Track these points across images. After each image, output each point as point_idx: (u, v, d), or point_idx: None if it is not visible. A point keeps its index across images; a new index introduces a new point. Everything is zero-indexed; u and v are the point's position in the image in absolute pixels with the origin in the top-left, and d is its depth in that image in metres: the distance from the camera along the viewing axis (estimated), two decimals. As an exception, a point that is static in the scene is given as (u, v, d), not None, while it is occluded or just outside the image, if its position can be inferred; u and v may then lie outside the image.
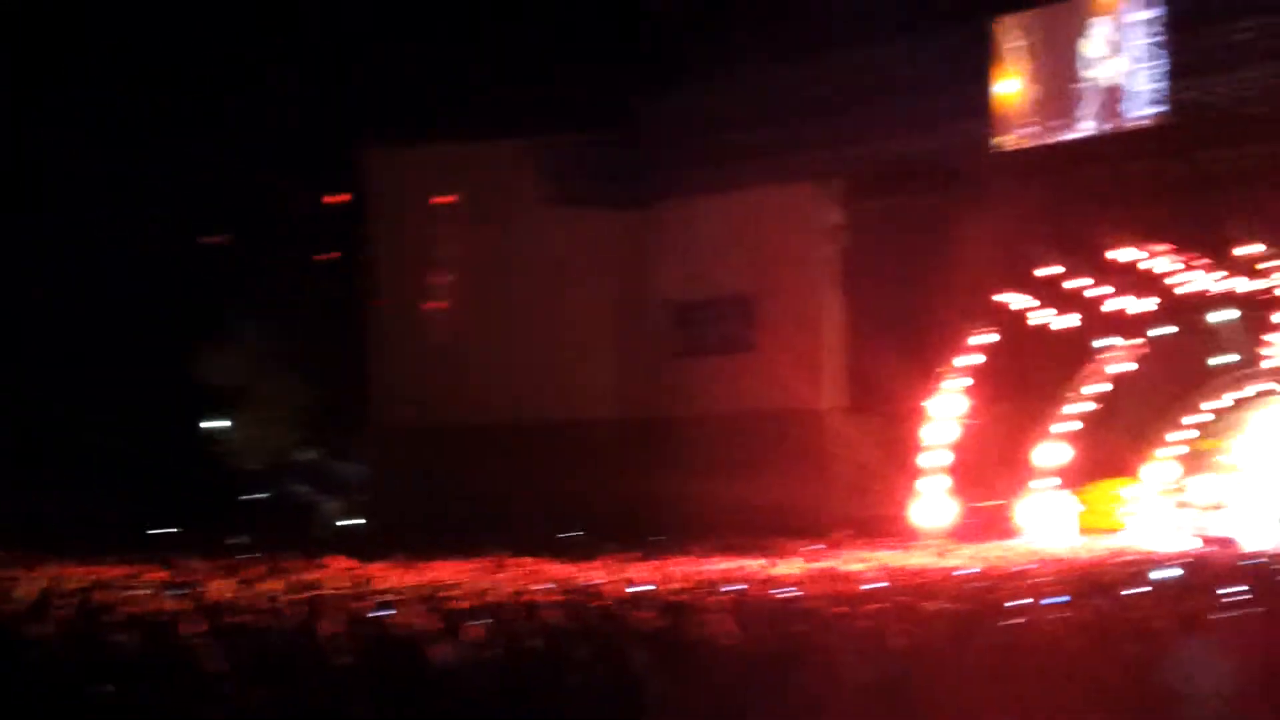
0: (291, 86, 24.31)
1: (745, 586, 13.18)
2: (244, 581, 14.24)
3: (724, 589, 12.87)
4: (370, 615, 10.63)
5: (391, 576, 14.94)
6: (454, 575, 14.97)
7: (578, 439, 23.64)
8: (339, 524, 26.00)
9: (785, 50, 22.68)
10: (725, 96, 23.59)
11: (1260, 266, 19.23)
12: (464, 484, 22.84)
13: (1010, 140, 21.02)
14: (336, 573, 15.39)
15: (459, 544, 17.62)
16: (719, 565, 15.89)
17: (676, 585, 13.39)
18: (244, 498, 26.44)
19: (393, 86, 24.46)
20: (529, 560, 16.41)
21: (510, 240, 24.39)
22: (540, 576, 14.73)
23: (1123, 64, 19.95)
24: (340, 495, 27.05)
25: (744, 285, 23.99)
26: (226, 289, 25.72)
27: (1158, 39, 19.63)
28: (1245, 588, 12.06)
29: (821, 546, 18.21)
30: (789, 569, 15.47)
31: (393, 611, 10.65)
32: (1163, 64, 19.59)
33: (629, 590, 12.78)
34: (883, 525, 19.90)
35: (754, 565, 15.89)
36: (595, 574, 14.90)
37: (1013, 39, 20.90)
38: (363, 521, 25.58)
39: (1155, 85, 19.70)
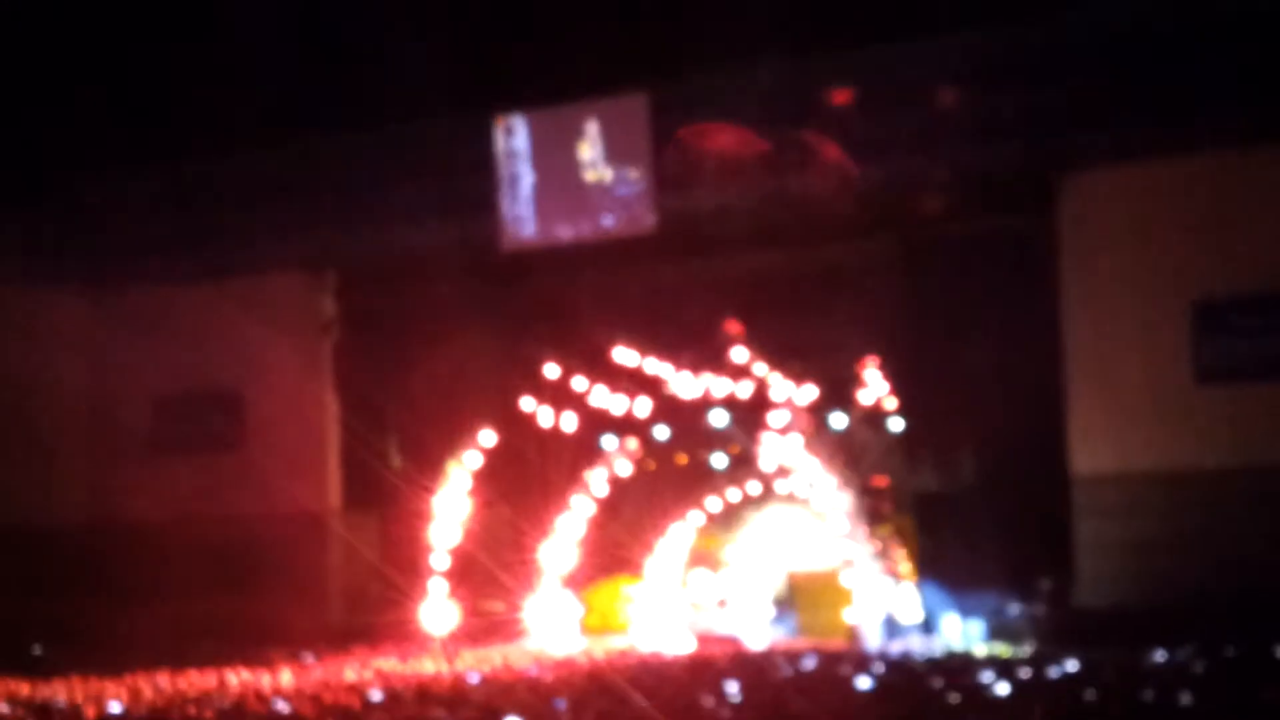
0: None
1: (230, 704, 12.30)
2: None
3: (202, 709, 11.96)
4: None
5: None
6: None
7: (33, 546, 21.53)
8: None
9: (274, 134, 21.86)
10: (203, 174, 22.49)
11: (753, 370, 19.73)
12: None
13: (512, 239, 20.98)
14: None
15: None
16: (200, 681, 14.69)
17: (144, 708, 12.31)
18: None
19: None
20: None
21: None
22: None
23: (618, 171, 20.33)
24: None
25: (228, 379, 22.76)
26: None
27: (651, 149, 20.05)
28: (745, 682, 12.35)
29: (312, 658, 17.33)
30: (281, 680, 14.59)
31: None
32: (653, 174, 20.01)
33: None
34: (385, 631, 19.16)
35: (239, 679, 14.78)
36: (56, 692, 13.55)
37: (515, 137, 20.91)
38: None
39: (648, 194, 20.13)
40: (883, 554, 18.54)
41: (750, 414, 19.73)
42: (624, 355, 20.28)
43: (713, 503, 20.75)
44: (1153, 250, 18.12)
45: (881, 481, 19.52)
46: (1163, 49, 17.63)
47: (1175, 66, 17.58)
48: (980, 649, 16.70)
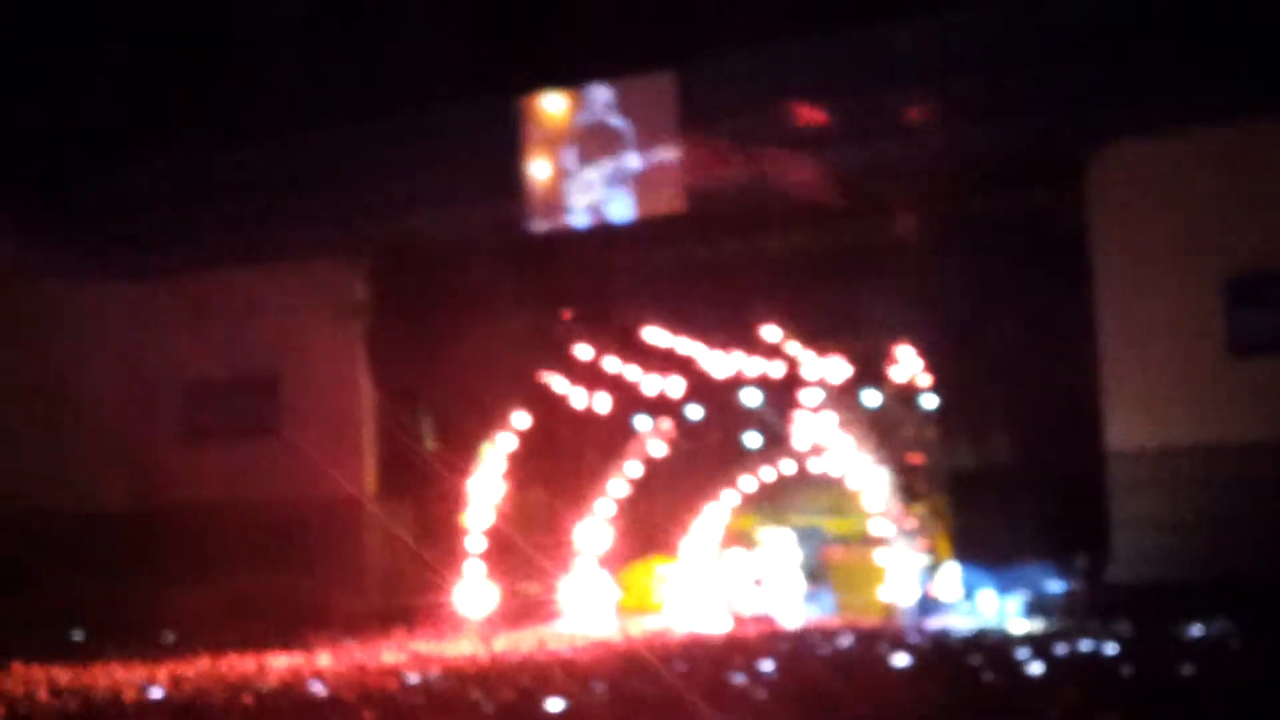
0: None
1: (270, 688, 12.39)
2: None
3: (246, 690, 12.05)
4: None
5: None
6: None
7: (76, 531, 21.70)
8: None
9: (305, 117, 21.89)
10: (238, 161, 22.51)
11: (785, 349, 19.72)
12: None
13: (541, 220, 20.98)
14: None
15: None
16: (239, 664, 14.81)
17: (189, 689, 12.39)
18: None
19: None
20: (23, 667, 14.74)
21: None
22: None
23: (648, 151, 20.31)
24: None
25: (264, 364, 22.86)
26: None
27: (680, 128, 20.01)
28: (780, 662, 12.37)
29: (351, 641, 17.42)
30: (319, 663, 14.68)
31: None
32: (681, 155, 19.97)
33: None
34: (422, 614, 19.24)
35: (280, 663, 14.88)
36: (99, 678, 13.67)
37: (541, 119, 20.90)
38: None
39: (677, 173, 20.11)
40: (918, 531, 18.51)
41: (783, 393, 19.73)
42: (656, 335, 20.30)
43: (747, 482, 20.77)
44: (1183, 223, 18.02)
45: (916, 459, 19.48)
46: (1188, 17, 17.48)
47: (1202, 34, 17.44)
48: (1016, 626, 16.68)
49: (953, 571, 18.55)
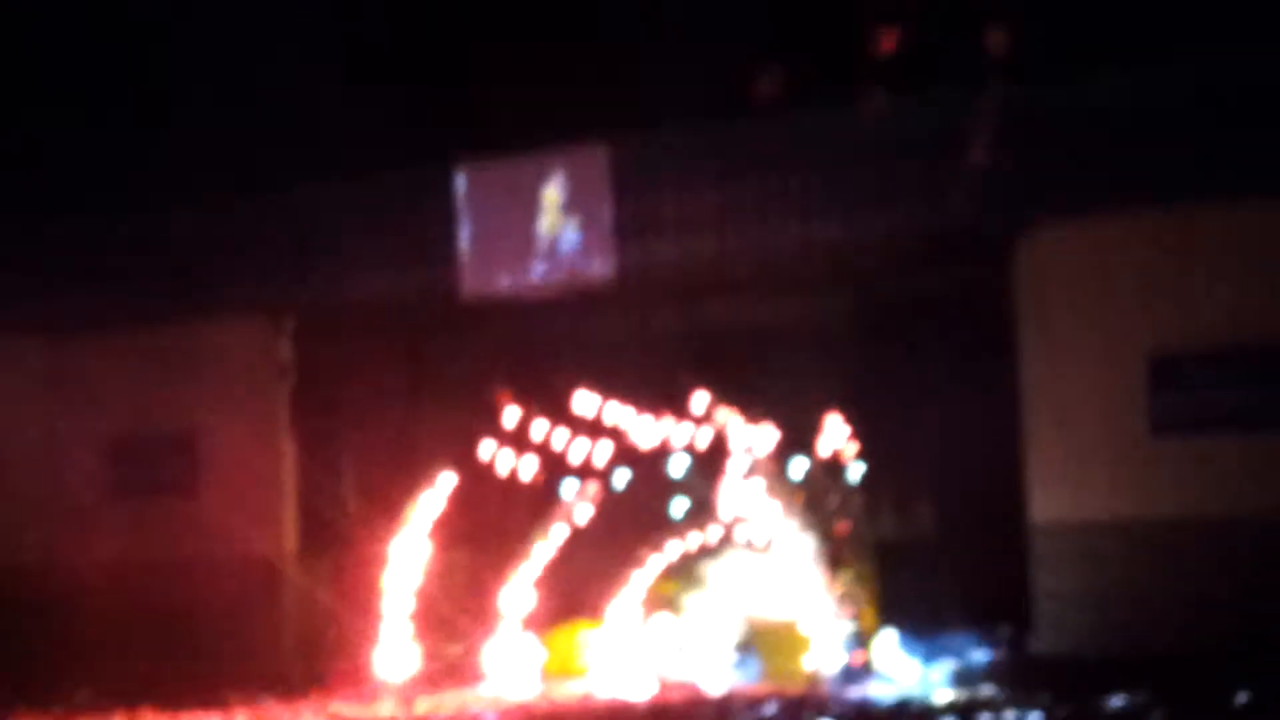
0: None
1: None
2: None
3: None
4: None
5: None
6: None
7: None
8: None
9: (234, 177, 21.89)
10: (164, 219, 22.53)
11: (712, 417, 19.83)
12: None
13: (473, 287, 21.06)
14: None
15: None
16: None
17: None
18: None
19: None
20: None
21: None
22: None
23: (577, 222, 20.49)
24: None
25: (183, 423, 22.64)
26: None
27: (610, 201, 20.23)
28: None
29: (270, 702, 17.22)
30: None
31: None
32: (612, 225, 20.18)
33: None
34: (342, 676, 19.05)
35: None
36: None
37: (473, 187, 21.02)
38: None
39: (607, 244, 20.29)
40: (842, 601, 18.61)
41: (710, 461, 19.82)
42: (584, 401, 20.34)
43: (673, 548, 20.80)
44: (1109, 304, 18.38)
45: (842, 528, 19.61)
46: (1117, 110, 17.98)
47: (1130, 126, 17.93)
48: (940, 695, 16.78)
49: (877, 640, 18.64)
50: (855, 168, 19.19)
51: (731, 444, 19.59)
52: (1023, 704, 15.08)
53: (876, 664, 18.28)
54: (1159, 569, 17.52)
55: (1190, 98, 17.51)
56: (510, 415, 20.39)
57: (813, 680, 18.12)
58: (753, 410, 19.76)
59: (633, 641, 20.43)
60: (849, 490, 19.72)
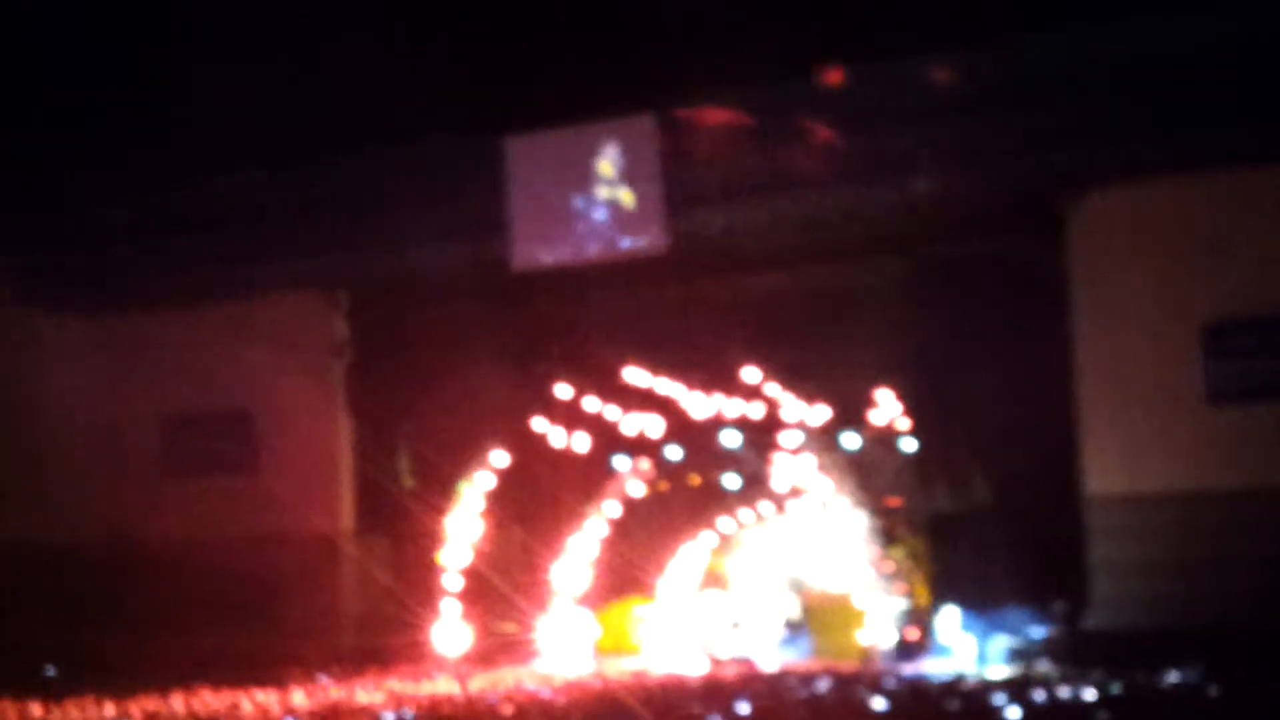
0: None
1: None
2: None
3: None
4: None
5: None
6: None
7: (52, 564, 21.54)
8: None
9: (288, 151, 21.87)
10: (219, 195, 22.42)
11: (764, 391, 19.73)
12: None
13: (523, 259, 20.96)
14: None
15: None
16: (213, 702, 14.70)
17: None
18: None
19: None
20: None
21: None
22: None
23: (629, 192, 20.32)
24: None
25: (240, 400, 22.73)
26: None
27: (661, 170, 20.05)
28: (757, 704, 12.32)
29: (326, 679, 17.31)
30: (294, 701, 14.59)
31: None
32: (664, 194, 20.00)
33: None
34: (398, 653, 19.16)
35: (254, 700, 14.79)
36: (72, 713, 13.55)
37: (526, 158, 20.89)
38: None
39: (658, 214, 20.12)
40: (896, 575, 18.50)
41: (762, 434, 19.73)
42: (636, 375, 20.28)
43: (725, 523, 20.76)
44: (1162, 271, 18.06)
45: (895, 502, 19.48)
46: (1168, 68, 17.57)
47: (1181, 85, 17.53)
48: (994, 671, 16.66)
49: (931, 616, 18.53)
50: (905, 131, 18.91)
51: (784, 417, 19.51)
52: (1076, 680, 14.93)
53: (930, 640, 18.19)
54: (1217, 541, 17.22)
55: (1243, 55, 17.11)
56: (563, 389, 20.39)
57: (866, 656, 18.08)
58: (805, 383, 19.65)
59: (685, 618, 20.43)
60: (902, 463, 19.58)
